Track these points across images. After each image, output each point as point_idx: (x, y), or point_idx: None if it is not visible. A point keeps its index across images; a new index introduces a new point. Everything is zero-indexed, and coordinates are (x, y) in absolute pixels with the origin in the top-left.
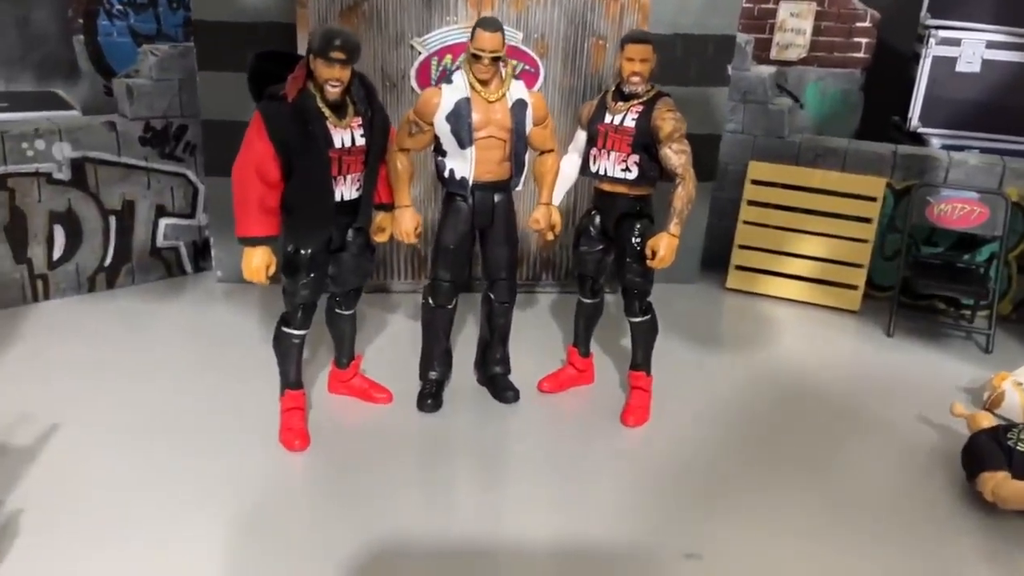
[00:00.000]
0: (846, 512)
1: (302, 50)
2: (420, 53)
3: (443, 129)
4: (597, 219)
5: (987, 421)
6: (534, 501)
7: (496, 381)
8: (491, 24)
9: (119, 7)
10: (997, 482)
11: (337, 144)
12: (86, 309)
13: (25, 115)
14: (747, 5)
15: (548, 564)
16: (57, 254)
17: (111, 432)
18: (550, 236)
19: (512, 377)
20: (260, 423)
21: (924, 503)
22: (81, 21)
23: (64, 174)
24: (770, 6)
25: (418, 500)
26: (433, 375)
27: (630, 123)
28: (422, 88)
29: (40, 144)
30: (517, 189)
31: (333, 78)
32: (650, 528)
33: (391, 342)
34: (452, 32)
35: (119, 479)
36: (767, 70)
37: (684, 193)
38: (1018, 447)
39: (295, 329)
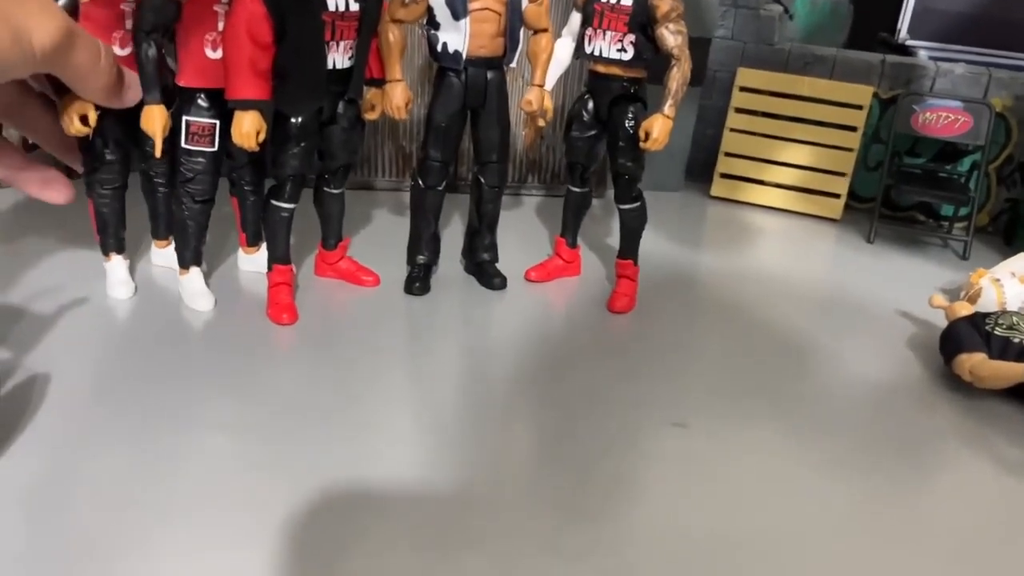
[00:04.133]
0: (827, 395)
1: None
2: None
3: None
4: (590, 103)
5: (965, 310)
6: (521, 379)
7: (483, 268)
8: None
9: None
10: (975, 363)
11: (331, 7)
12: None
13: None
14: None
15: (534, 435)
16: None
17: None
18: (541, 122)
19: (499, 267)
20: (247, 299)
21: (902, 386)
22: None
23: None
24: None
25: (403, 374)
26: (421, 259)
27: (627, 1)
28: None
29: None
30: (512, 66)
31: None
32: (636, 400)
33: (377, 235)
34: None
35: (129, 345)
36: None
37: (679, 74)
38: (995, 331)
39: (284, 202)
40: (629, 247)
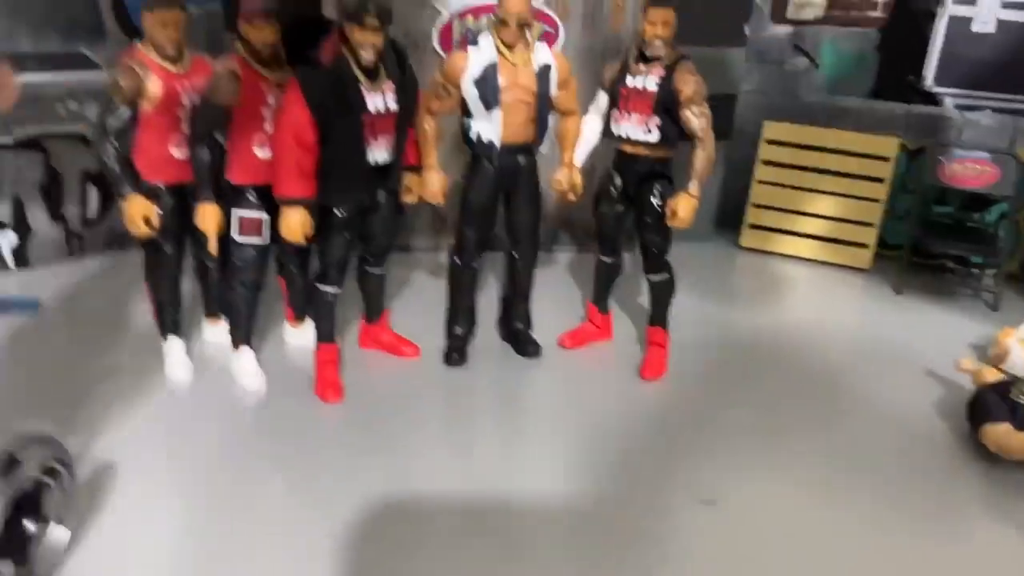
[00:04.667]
0: (853, 461)
1: (328, 11)
2: (442, 14)
3: (470, 92)
4: (617, 180)
5: (993, 376)
6: (555, 450)
7: (518, 336)
8: None
9: None
10: (1000, 434)
11: (371, 108)
12: (121, 264)
13: (55, 75)
14: None
15: (566, 510)
16: (91, 214)
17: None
18: (572, 198)
19: (533, 333)
20: (295, 374)
21: (928, 453)
22: None
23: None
24: None
25: (444, 448)
26: (458, 331)
27: (652, 86)
28: (444, 49)
29: (73, 105)
30: (542, 151)
31: (368, 43)
32: (666, 476)
33: (415, 299)
34: None
35: (188, 425)
36: (783, 30)
37: (704, 155)
38: (1020, 400)
39: (330, 286)
40: (659, 315)
